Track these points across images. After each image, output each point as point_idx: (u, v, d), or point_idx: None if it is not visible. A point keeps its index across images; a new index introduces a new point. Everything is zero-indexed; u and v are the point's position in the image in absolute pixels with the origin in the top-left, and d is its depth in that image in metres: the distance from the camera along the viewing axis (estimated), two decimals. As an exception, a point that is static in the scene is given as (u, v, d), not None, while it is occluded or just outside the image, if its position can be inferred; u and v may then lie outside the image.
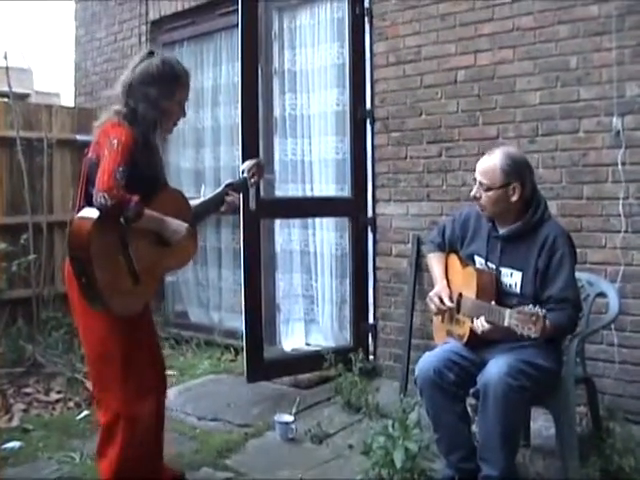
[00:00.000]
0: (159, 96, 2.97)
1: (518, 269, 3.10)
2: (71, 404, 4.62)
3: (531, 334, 2.67)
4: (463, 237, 3.36)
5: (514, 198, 3.09)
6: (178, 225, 2.98)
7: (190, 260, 3.29)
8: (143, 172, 2.87)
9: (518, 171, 3.09)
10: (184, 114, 3.16)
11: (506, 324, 2.78)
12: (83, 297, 2.86)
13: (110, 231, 2.78)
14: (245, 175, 3.51)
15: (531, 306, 2.72)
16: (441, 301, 3.26)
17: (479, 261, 3.25)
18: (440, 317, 3.36)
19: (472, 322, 3.04)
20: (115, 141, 2.78)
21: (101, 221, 2.73)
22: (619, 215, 3.87)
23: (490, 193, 3.10)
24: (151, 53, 3.08)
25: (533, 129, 4.18)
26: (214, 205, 3.32)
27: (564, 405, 3.13)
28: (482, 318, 2.96)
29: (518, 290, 3.09)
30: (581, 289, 3.45)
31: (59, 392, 4.80)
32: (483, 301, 3.04)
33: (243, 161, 4.05)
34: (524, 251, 3.10)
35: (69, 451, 3.79)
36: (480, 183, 3.13)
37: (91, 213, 2.76)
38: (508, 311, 2.79)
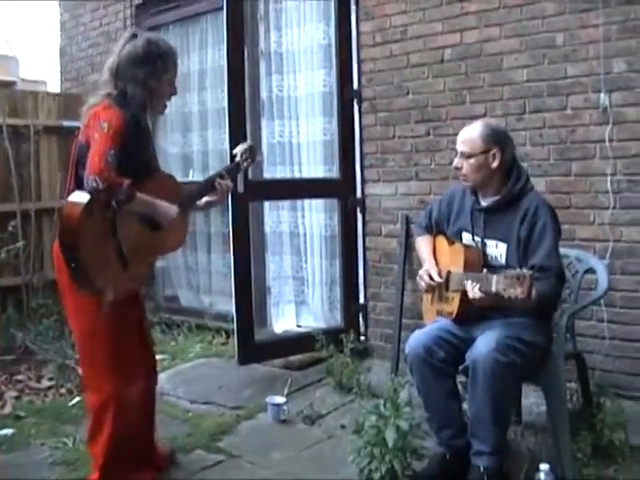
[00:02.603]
0: (147, 76, 2.97)
1: (503, 240, 3.13)
2: (63, 391, 4.61)
3: (518, 295, 2.67)
4: (449, 215, 3.38)
5: (495, 164, 3.14)
6: (168, 207, 2.98)
7: (181, 245, 3.29)
8: (134, 155, 2.86)
9: (497, 138, 3.16)
10: (175, 92, 3.15)
11: (494, 290, 2.79)
12: (73, 281, 2.85)
13: (100, 216, 2.77)
14: (238, 159, 3.51)
15: (518, 269, 2.74)
16: (430, 278, 3.27)
17: (466, 236, 3.27)
18: (429, 297, 3.37)
19: (464, 291, 3.02)
20: (106, 124, 2.77)
21: (91, 206, 2.72)
22: (607, 191, 3.88)
23: (471, 160, 3.15)
24: (134, 35, 3.07)
25: (520, 107, 4.18)
26: (205, 189, 3.32)
27: (554, 381, 3.14)
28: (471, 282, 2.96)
29: (504, 261, 3.12)
30: (570, 265, 3.47)
31: (50, 379, 4.79)
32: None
33: (231, 144, 4.06)
34: (507, 222, 3.13)
35: (62, 437, 3.79)
36: (461, 153, 3.19)
37: (81, 197, 2.74)
38: (495, 277, 2.80)
